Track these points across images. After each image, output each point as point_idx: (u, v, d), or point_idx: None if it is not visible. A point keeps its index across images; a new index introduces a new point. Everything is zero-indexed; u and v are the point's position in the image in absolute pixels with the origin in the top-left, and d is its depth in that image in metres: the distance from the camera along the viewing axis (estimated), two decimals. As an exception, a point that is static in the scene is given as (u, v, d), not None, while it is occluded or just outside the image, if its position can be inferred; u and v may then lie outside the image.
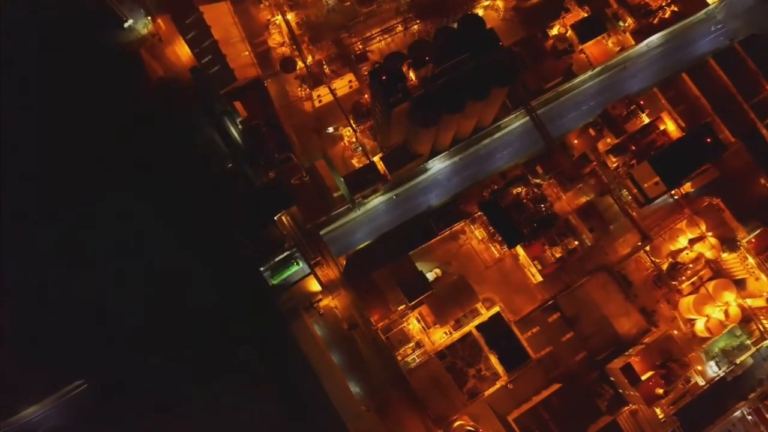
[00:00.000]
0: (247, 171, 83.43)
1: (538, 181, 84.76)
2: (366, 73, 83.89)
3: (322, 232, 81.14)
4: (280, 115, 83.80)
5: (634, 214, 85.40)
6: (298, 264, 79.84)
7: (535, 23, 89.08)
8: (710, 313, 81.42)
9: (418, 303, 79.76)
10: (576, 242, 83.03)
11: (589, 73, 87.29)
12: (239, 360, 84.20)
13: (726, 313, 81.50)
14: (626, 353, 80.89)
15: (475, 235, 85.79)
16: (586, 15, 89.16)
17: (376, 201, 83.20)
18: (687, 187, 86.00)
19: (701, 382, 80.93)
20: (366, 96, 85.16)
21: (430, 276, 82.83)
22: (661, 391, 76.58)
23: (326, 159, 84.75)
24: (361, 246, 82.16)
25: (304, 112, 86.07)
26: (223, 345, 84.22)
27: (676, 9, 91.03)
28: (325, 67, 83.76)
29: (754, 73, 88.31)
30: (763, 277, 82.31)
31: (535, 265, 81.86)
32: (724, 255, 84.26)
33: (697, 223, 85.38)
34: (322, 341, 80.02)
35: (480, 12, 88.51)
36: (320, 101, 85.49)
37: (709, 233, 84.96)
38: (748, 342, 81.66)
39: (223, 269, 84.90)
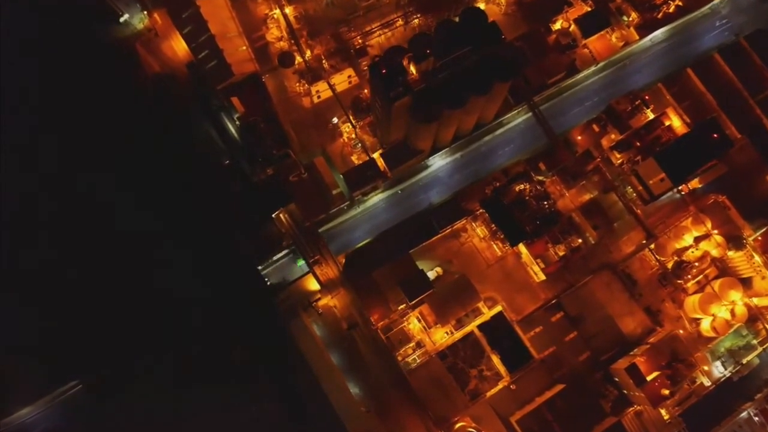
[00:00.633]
0: (244, 168, 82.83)
1: (541, 178, 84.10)
2: (366, 68, 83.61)
3: (321, 230, 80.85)
4: (278, 110, 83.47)
5: (638, 211, 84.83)
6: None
7: (538, 18, 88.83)
8: (716, 313, 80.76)
9: (418, 302, 79.09)
10: (579, 240, 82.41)
11: (593, 68, 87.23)
12: (236, 360, 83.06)
13: (732, 312, 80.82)
14: (631, 353, 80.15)
15: (477, 233, 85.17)
16: (589, 9, 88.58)
17: (376, 198, 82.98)
18: (694, 183, 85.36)
19: (707, 382, 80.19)
20: (366, 91, 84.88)
21: (431, 275, 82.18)
22: (666, 391, 75.85)
23: (325, 155, 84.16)
24: (361, 244, 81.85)
25: (303, 108, 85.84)
26: (221, 345, 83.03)
27: (680, 3, 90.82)
28: (324, 62, 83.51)
29: (760, 69, 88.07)
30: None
31: (537, 264, 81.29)
32: (730, 253, 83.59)
33: (702, 221, 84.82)
34: (321, 341, 79.52)
35: (482, 6, 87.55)
36: (319, 97, 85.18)
37: (715, 231, 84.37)
38: (755, 342, 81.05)
39: (221, 268, 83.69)
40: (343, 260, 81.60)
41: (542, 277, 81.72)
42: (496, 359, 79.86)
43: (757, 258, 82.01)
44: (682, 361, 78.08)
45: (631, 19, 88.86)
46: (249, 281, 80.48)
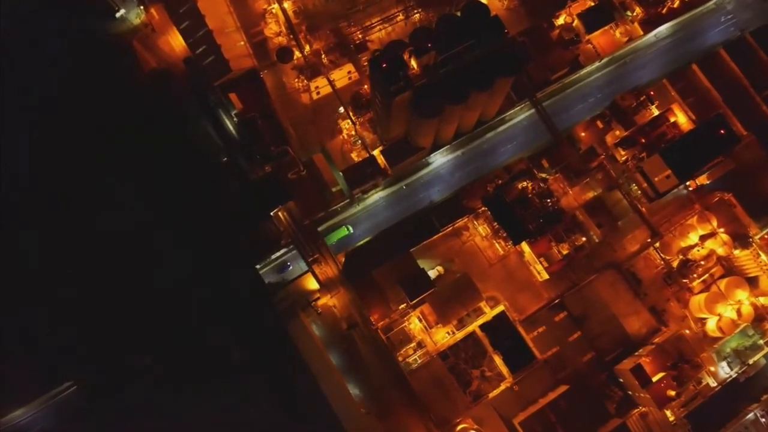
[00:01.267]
0: (242, 165, 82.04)
1: (544, 175, 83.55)
2: (366, 63, 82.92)
3: (320, 229, 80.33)
4: (276, 107, 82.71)
5: (643, 209, 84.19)
6: (348, 229, 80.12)
7: (541, 13, 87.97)
8: (722, 312, 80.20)
9: (419, 302, 78.47)
10: (583, 239, 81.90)
11: (597, 64, 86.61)
12: (234, 360, 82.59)
13: (738, 311, 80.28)
14: (636, 353, 79.54)
15: (479, 232, 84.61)
16: (593, 4, 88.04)
17: (376, 196, 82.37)
18: (702, 179, 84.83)
19: (713, 383, 79.61)
20: (365, 87, 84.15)
21: (432, 274, 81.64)
22: (672, 393, 75.19)
23: (324, 152, 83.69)
24: (361, 243, 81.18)
25: (302, 104, 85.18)
26: (220, 345, 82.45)
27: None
28: (323, 57, 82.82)
29: (766, 65, 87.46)
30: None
31: (541, 263, 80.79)
32: (736, 252, 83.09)
33: (708, 219, 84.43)
34: (320, 341, 79.02)
35: (484, 0, 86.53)
36: (318, 93, 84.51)
37: (721, 229, 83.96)
38: (761, 342, 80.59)
39: (219, 266, 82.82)
40: (343, 259, 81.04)
41: (545, 276, 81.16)
42: (498, 360, 79.34)
43: (763, 257, 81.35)
44: (688, 361, 77.48)
45: (635, 14, 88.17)
46: (248, 281, 79.65)
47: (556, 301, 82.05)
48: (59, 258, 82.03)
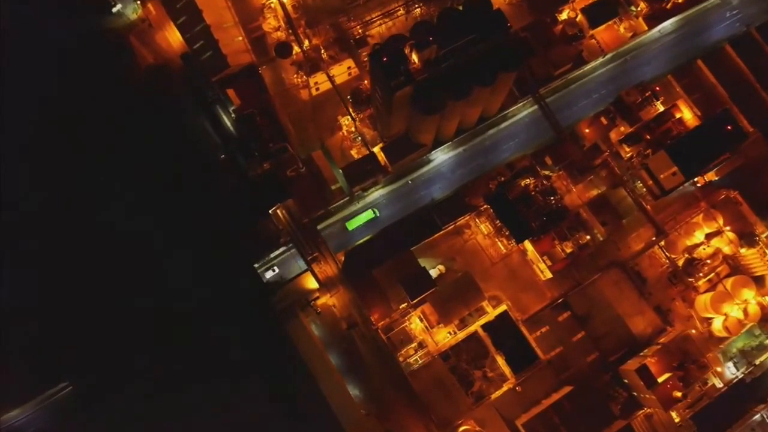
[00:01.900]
0: (240, 162, 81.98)
1: (547, 172, 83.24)
2: (366, 58, 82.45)
3: (319, 227, 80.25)
4: (275, 103, 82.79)
5: (648, 207, 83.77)
6: (375, 212, 79.99)
7: (544, 7, 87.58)
8: (728, 312, 79.73)
9: (420, 301, 78.18)
10: (587, 237, 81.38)
11: (601, 59, 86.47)
12: (232, 360, 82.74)
13: (745, 311, 79.82)
14: (641, 354, 79.07)
15: (481, 230, 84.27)
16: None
17: (377, 194, 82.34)
18: (710, 176, 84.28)
19: (719, 384, 79.40)
20: (366, 82, 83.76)
21: (434, 273, 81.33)
22: (679, 394, 74.49)
23: (324, 149, 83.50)
24: (361, 241, 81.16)
25: (301, 101, 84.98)
26: (219, 345, 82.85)
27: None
28: (322, 52, 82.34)
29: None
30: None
31: (544, 261, 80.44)
32: (743, 250, 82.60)
33: (714, 217, 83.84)
34: (319, 341, 79.04)
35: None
36: (317, 89, 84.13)
37: (727, 228, 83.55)
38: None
39: (218, 266, 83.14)
40: (343, 258, 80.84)
41: (549, 275, 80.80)
42: (500, 360, 79.02)
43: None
44: (694, 362, 76.86)
45: (639, 9, 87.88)
46: (247, 280, 79.71)
47: (560, 300, 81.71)
48: (59, 258, 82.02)
